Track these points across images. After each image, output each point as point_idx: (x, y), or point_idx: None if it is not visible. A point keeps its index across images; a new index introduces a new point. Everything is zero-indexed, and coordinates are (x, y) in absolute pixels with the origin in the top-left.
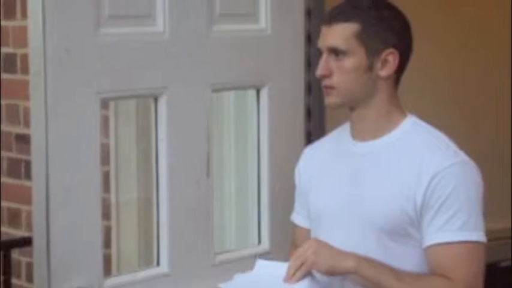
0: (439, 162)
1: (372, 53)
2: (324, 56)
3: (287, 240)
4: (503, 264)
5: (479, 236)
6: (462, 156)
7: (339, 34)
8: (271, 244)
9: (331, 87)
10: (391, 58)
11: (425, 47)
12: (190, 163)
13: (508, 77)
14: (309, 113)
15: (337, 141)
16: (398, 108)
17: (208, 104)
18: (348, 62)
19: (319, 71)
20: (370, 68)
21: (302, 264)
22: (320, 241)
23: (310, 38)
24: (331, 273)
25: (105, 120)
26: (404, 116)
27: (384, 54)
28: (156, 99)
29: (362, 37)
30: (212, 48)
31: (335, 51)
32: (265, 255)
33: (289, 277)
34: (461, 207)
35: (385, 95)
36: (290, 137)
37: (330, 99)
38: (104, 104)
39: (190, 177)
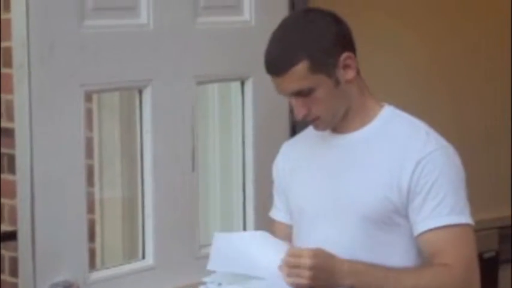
0: (422, 149)
1: (332, 70)
2: (293, 100)
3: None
4: (487, 255)
5: (468, 218)
6: (443, 141)
7: (294, 79)
8: None
9: (316, 119)
10: (349, 61)
11: (410, 35)
12: (175, 156)
13: (501, 60)
14: None
15: (315, 136)
16: (370, 97)
17: (193, 96)
18: (318, 93)
19: (299, 116)
20: (337, 82)
21: (297, 275)
22: (318, 253)
23: None
24: None
25: (89, 113)
26: (380, 106)
27: (341, 63)
28: (140, 92)
29: (316, 67)
30: (196, 40)
31: (300, 93)
32: None
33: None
34: (449, 192)
35: (356, 91)
36: (275, 129)
37: (321, 128)
38: (88, 97)
39: (176, 170)
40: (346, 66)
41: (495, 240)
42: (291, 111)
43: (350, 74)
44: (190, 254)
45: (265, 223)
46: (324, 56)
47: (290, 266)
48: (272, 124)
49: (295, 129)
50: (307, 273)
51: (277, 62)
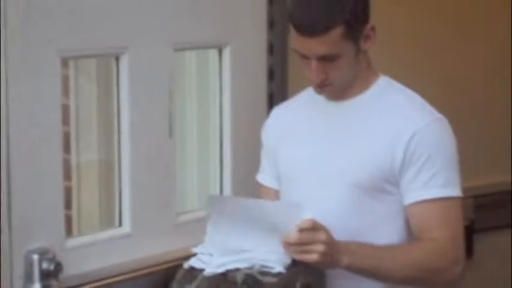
0: (418, 121)
1: (358, 39)
2: (314, 63)
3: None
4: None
5: (459, 191)
6: (437, 114)
7: (327, 43)
8: None
9: (328, 84)
10: (372, 32)
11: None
12: (153, 123)
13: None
14: (271, 74)
15: (308, 101)
16: (372, 68)
17: (170, 63)
18: (343, 61)
19: (317, 80)
20: (357, 51)
21: (304, 250)
22: (331, 240)
23: None
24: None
25: (65, 80)
26: (377, 75)
27: (365, 32)
28: (117, 59)
29: (349, 34)
30: (174, 7)
31: (326, 58)
32: None
33: (286, 245)
34: (444, 164)
35: (364, 62)
36: (252, 97)
37: (328, 94)
38: (64, 63)
39: (153, 136)
40: (367, 37)
41: (470, 209)
42: (269, 78)
43: (369, 44)
44: (168, 221)
45: (243, 190)
46: (356, 24)
47: (304, 242)
48: (249, 92)
49: (272, 97)
50: (321, 247)
51: (314, 23)
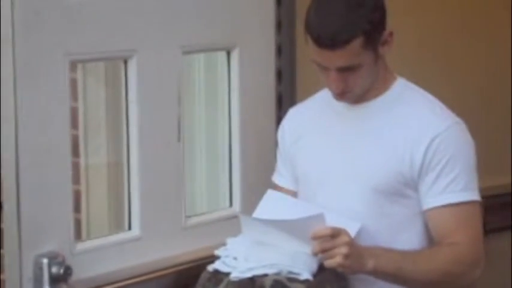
0: (438, 125)
1: (377, 47)
2: (333, 74)
3: (258, 203)
4: None
5: (478, 195)
6: (455, 117)
7: (347, 54)
8: (243, 207)
9: (348, 92)
10: (390, 38)
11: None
12: (161, 126)
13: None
14: (279, 75)
15: (325, 103)
16: (389, 71)
17: (178, 66)
18: (364, 70)
19: (337, 90)
20: (377, 58)
21: (326, 250)
22: (352, 242)
23: (280, 0)
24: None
25: (73, 83)
26: (394, 78)
27: (383, 38)
28: (125, 62)
29: (368, 44)
30: (182, 10)
31: (347, 68)
32: (236, 218)
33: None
34: (463, 169)
35: (382, 66)
36: (261, 99)
37: (347, 100)
38: (73, 67)
39: (161, 140)
40: (385, 42)
41: None
42: (277, 80)
43: (387, 50)
44: (176, 225)
45: (252, 193)
46: (375, 33)
47: (326, 249)
48: (258, 94)
49: (281, 98)
50: (344, 249)
51: (334, 36)
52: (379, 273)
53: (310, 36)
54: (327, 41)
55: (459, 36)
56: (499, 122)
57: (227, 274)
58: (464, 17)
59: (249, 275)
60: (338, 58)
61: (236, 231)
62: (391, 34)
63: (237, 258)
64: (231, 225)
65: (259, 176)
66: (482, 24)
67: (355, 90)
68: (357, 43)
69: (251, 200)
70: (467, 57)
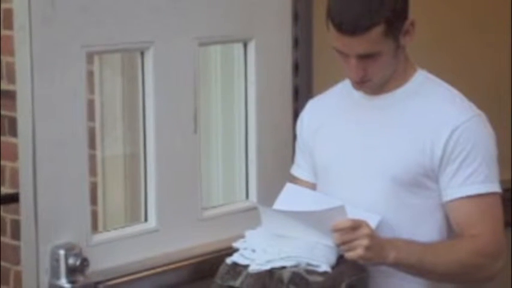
0: (458, 116)
1: (398, 36)
2: (353, 61)
3: (275, 195)
4: None
5: (498, 187)
6: (476, 109)
7: (368, 41)
8: (259, 199)
9: (367, 81)
10: (411, 27)
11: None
12: (178, 118)
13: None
14: (296, 68)
15: (344, 94)
16: (410, 62)
17: (195, 58)
18: (383, 58)
19: (357, 78)
20: (397, 47)
21: (347, 242)
22: (373, 233)
23: None
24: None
25: (90, 75)
26: (415, 69)
27: (405, 28)
28: (142, 53)
29: (389, 32)
30: (199, 1)
31: (367, 56)
32: (252, 210)
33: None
34: (484, 160)
35: (403, 57)
36: (277, 91)
37: (367, 90)
38: (89, 58)
39: (178, 132)
40: (407, 32)
41: None
42: (294, 72)
43: (408, 40)
44: (193, 217)
45: (268, 185)
46: (397, 21)
47: (347, 241)
48: (274, 86)
49: (297, 91)
50: (365, 241)
51: (355, 22)
52: (400, 265)
53: (332, 21)
54: (347, 26)
55: (469, 32)
56: (501, 117)
57: (246, 266)
58: (475, 14)
59: (267, 267)
60: (358, 45)
61: (252, 224)
62: (412, 23)
63: (255, 250)
64: (247, 217)
65: (276, 168)
66: (491, 21)
67: (375, 80)
68: (378, 30)
69: (267, 192)
70: (476, 54)
